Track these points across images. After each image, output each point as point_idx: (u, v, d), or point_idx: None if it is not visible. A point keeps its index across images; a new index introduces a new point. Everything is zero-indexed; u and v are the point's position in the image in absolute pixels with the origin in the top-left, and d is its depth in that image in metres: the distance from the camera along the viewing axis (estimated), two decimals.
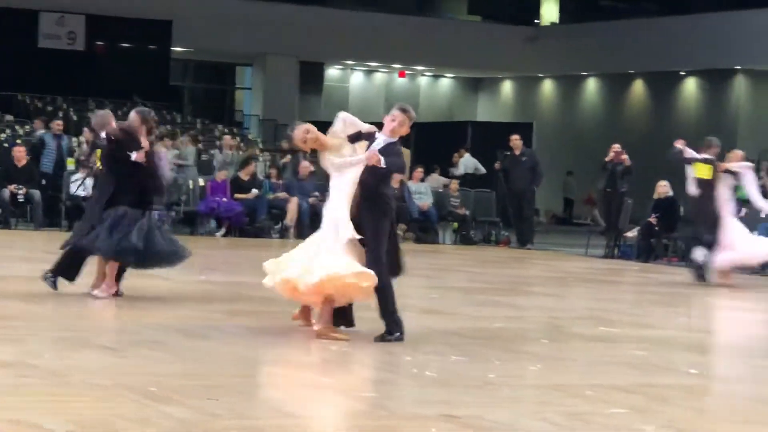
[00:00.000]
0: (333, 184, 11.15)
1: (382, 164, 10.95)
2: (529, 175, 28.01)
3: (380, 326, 11.00)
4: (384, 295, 11.03)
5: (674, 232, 24.75)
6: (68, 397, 7.92)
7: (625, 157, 25.80)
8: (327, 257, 10.87)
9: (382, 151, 11.10)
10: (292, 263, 11.17)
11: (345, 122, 11.42)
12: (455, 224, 28.78)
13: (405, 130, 11.59)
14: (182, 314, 12.46)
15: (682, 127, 40.93)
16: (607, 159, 26.07)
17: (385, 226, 11.12)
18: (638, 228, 25.40)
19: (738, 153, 22.16)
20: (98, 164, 14.27)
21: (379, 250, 10.98)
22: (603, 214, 27.97)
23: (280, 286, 11.19)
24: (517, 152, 27.89)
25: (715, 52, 38.40)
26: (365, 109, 47.31)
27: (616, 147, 25.92)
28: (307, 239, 11.48)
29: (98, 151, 14.16)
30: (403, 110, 11.69)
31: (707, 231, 18.97)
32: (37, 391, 8.07)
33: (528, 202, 28.33)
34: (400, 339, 10.93)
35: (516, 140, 27.88)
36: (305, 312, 11.41)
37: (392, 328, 10.97)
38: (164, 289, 15.71)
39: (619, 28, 41.91)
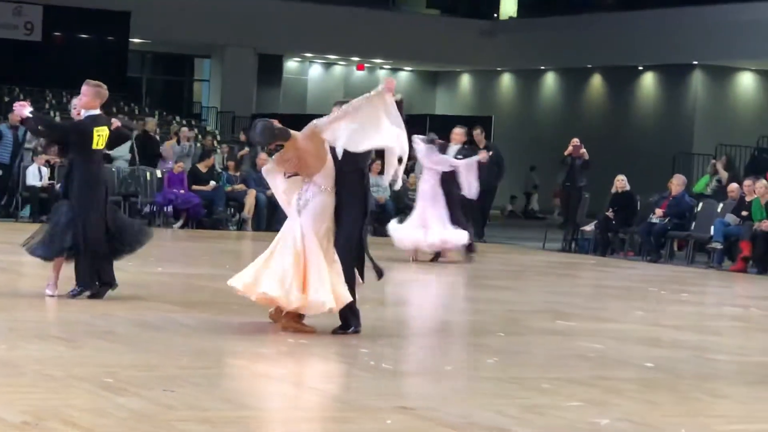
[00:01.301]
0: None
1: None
2: (494, 169, 27.97)
3: (338, 319, 10.99)
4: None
5: (631, 227, 24.83)
6: (22, 387, 7.89)
7: (583, 151, 25.83)
8: (312, 277, 10.68)
9: None
10: (271, 275, 10.80)
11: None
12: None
13: None
14: (138, 305, 12.42)
15: (640, 121, 41.17)
16: (566, 153, 26.12)
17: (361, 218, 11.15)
18: (595, 222, 25.47)
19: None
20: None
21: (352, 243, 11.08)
22: (561, 208, 28.02)
23: (259, 298, 10.89)
24: (481, 146, 27.82)
25: (673, 47, 38.52)
26: (324, 102, 47.33)
27: (576, 141, 25.94)
28: (278, 241, 11.15)
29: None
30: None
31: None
32: None
33: (489, 196, 28.35)
34: (357, 332, 10.91)
35: (478, 134, 27.76)
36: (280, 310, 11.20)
37: (350, 321, 10.95)
38: (120, 280, 15.66)
39: (578, 22, 41.99)
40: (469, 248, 20.62)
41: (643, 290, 18.01)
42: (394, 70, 49.61)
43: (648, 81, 41.79)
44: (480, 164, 26.86)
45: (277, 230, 11.48)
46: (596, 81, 43.48)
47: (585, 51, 41.41)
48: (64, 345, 9.73)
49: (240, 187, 27.08)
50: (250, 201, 26.59)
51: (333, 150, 11.01)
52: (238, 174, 27.81)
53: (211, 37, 42.06)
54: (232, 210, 27.31)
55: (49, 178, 26.21)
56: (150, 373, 8.78)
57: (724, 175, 26.84)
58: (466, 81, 48.91)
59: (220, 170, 28.10)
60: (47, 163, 26.40)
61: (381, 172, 29.27)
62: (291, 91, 47.32)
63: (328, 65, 49.02)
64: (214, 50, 44.56)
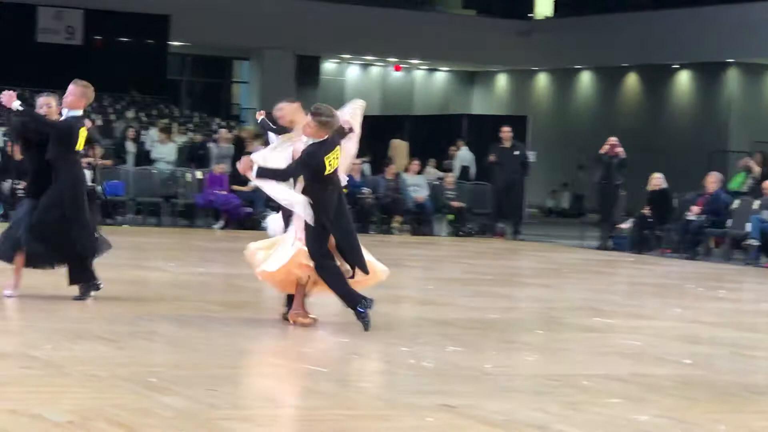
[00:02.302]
0: None
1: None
2: (520, 167, 28.11)
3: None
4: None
5: (667, 224, 24.76)
6: (67, 387, 7.92)
7: (620, 149, 25.77)
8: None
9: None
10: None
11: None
12: (450, 216, 28.81)
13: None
14: (179, 306, 12.45)
15: (676, 119, 41.02)
16: (602, 151, 26.05)
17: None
18: (632, 220, 25.42)
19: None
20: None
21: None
22: (598, 206, 27.94)
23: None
24: (508, 144, 27.92)
25: (708, 46, 38.45)
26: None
27: (613, 140, 25.88)
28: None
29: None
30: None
31: None
32: (37, 382, 8.07)
33: (517, 193, 28.46)
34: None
35: (506, 133, 27.90)
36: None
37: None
38: (162, 281, 15.73)
39: (613, 21, 41.93)
40: None
41: (680, 287, 17.96)
42: (431, 70, 49.62)
43: (683, 79, 41.66)
44: (497, 163, 27.16)
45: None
46: (631, 80, 43.38)
47: (620, 50, 41.32)
48: (108, 345, 9.76)
49: None
50: None
51: None
52: None
53: (249, 39, 42.17)
54: (273, 210, 27.33)
55: (92, 180, 26.29)
56: (193, 372, 8.80)
57: (758, 171, 26.68)
58: (502, 80, 48.88)
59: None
60: (89, 165, 26.49)
61: (419, 172, 29.37)
62: (329, 92, 47.33)
63: (366, 66, 49.06)
64: (252, 52, 44.67)
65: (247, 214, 26.61)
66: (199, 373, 8.73)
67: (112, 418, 7.01)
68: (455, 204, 28.70)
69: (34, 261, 12.24)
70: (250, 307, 12.73)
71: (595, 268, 21.12)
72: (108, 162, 27.48)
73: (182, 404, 7.59)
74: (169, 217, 27.06)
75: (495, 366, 9.59)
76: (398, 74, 49.42)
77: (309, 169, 10.99)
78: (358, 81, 49.09)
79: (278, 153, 11.41)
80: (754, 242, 22.85)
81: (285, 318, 11.30)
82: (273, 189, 11.28)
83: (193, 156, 29.02)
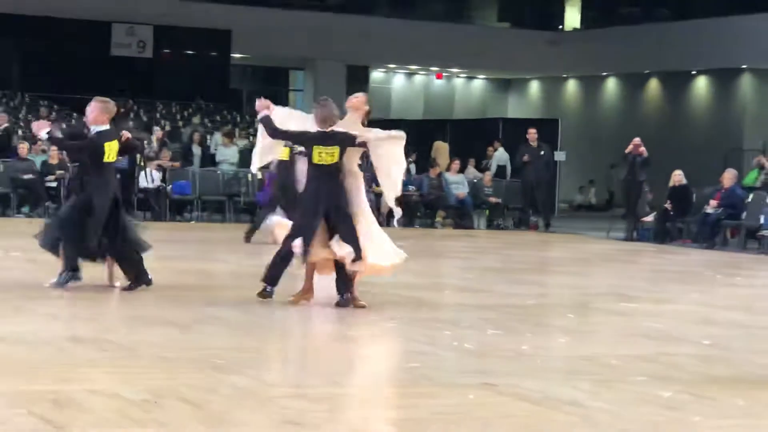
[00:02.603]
0: None
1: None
2: (545, 166, 28.32)
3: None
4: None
5: (688, 217, 24.69)
6: (141, 369, 7.96)
7: (643, 149, 25.67)
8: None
9: None
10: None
11: None
12: (488, 211, 28.86)
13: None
14: (241, 294, 12.44)
15: (694, 121, 40.85)
16: (627, 151, 25.97)
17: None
18: (655, 213, 25.36)
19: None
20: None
21: None
22: (623, 201, 27.84)
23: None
24: (534, 144, 28.08)
25: (723, 53, 38.29)
26: (406, 108, 47.42)
27: (636, 140, 25.81)
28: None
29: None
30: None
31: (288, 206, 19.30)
32: (113, 364, 8.10)
33: (545, 189, 28.59)
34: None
35: (532, 134, 28.11)
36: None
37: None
38: (226, 272, 15.81)
39: (636, 32, 41.79)
40: None
41: (700, 274, 17.88)
42: (470, 78, 49.54)
43: (701, 84, 41.47)
44: (528, 162, 27.26)
45: None
46: (653, 85, 43.20)
47: (642, 58, 41.17)
48: (176, 330, 9.79)
49: None
50: None
51: None
52: None
53: (303, 51, 42.23)
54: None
55: (162, 180, 26.43)
56: (254, 354, 8.82)
57: None
58: (534, 87, 48.75)
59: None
60: (159, 167, 26.63)
61: (460, 171, 29.36)
62: (376, 98, 47.27)
63: (410, 75, 49.03)
64: (306, 63, 44.70)
65: None
66: (259, 355, 8.75)
67: (181, 395, 7.03)
68: (492, 200, 28.74)
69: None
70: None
71: (622, 257, 21.05)
72: (176, 164, 27.58)
73: (244, 383, 7.60)
74: (232, 214, 27.13)
75: (531, 347, 9.57)
76: (440, 82, 49.37)
77: (305, 145, 11.90)
78: (403, 89, 49.08)
79: (296, 119, 12.28)
80: (766, 233, 22.80)
81: (338, 305, 11.33)
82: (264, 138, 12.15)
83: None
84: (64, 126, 24.35)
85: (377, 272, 11.81)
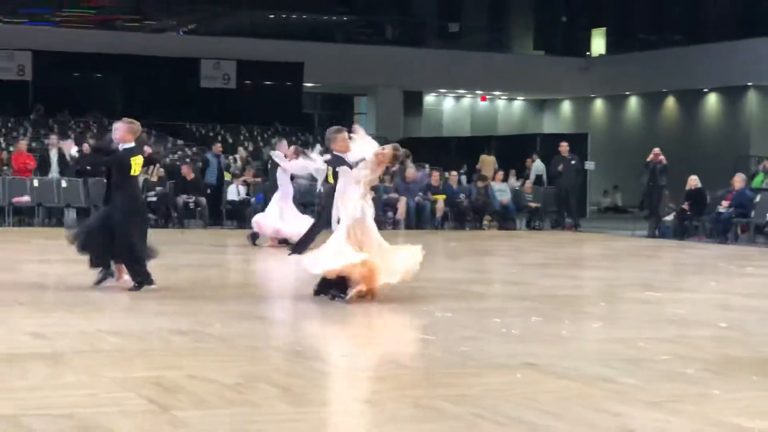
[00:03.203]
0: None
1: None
2: (576, 174, 28.41)
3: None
4: None
5: (703, 216, 24.53)
6: (234, 357, 8.00)
7: (662, 157, 25.58)
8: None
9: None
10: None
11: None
12: (528, 215, 28.82)
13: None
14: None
15: (707, 131, 40.55)
16: (648, 159, 25.86)
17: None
18: (674, 213, 25.21)
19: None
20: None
21: None
22: (646, 204, 27.67)
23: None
24: (567, 155, 28.08)
25: (731, 73, 38.09)
26: (455, 127, 47.42)
27: (656, 150, 25.76)
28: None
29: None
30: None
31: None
32: (209, 353, 8.15)
33: (574, 194, 28.58)
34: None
35: (564, 146, 28.19)
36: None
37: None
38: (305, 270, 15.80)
39: (654, 56, 41.61)
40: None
41: (715, 266, 17.74)
42: (510, 99, 49.45)
43: (712, 100, 41.16)
44: (562, 172, 27.25)
45: (422, 228, 11.56)
46: (670, 102, 42.92)
47: (660, 78, 41.00)
48: (264, 323, 9.85)
49: (393, 195, 27.19)
50: (401, 206, 26.65)
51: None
52: (392, 185, 27.91)
53: (366, 79, 42.35)
54: (389, 213, 27.40)
55: (246, 194, 26.55)
56: (330, 342, 8.84)
57: None
58: (566, 106, 48.56)
59: (378, 183, 28.22)
60: (244, 183, 26.76)
61: (504, 180, 29.30)
62: (429, 119, 47.38)
63: (458, 98, 49.01)
64: (369, 90, 44.82)
65: None
66: (335, 343, 8.77)
67: (269, 380, 7.06)
68: (532, 204, 28.68)
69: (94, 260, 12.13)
70: (385, 290, 12.75)
71: (645, 252, 20.92)
72: (258, 179, 27.71)
73: (324, 367, 7.63)
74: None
75: (569, 332, 9.54)
76: (484, 103, 49.30)
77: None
78: (453, 110, 49.07)
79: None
80: None
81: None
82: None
83: None
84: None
85: (392, 282, 11.35)
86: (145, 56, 38.54)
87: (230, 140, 35.56)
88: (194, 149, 33.79)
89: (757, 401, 6.67)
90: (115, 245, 11.97)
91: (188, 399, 6.39)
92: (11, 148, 27.76)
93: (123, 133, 12.28)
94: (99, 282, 12.05)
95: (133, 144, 12.28)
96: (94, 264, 12.09)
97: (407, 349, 8.59)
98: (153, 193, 25.66)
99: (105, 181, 12.69)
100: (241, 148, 30.76)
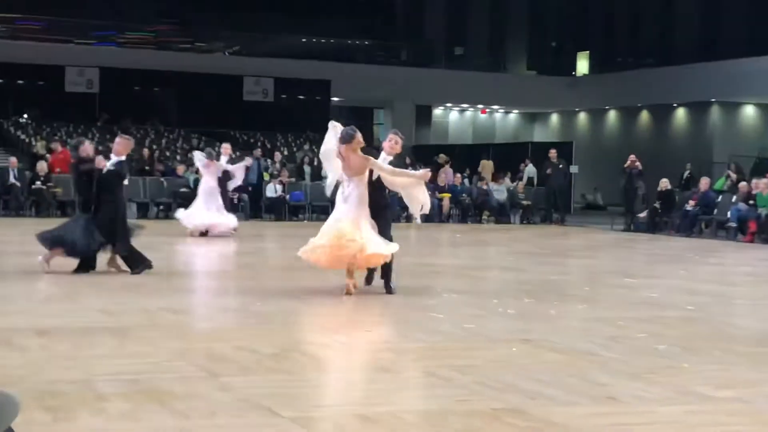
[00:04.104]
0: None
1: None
2: (563, 176, 28.44)
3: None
4: None
5: (672, 213, 24.47)
6: (275, 330, 7.97)
7: (638, 163, 25.54)
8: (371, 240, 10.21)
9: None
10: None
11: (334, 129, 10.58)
12: (521, 211, 28.79)
13: (399, 149, 10.87)
14: (341, 274, 12.45)
15: (676, 142, 40.40)
16: (625, 165, 25.82)
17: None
18: (647, 211, 25.13)
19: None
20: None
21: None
22: (624, 203, 27.61)
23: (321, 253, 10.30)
24: (555, 160, 28.15)
25: (697, 90, 38.00)
26: (459, 136, 47.33)
27: (632, 157, 25.74)
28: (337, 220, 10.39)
29: None
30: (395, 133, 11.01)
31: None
32: (251, 327, 8.12)
33: (563, 194, 28.60)
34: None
35: (553, 153, 28.33)
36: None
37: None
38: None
39: (630, 75, 41.50)
40: (235, 229, 19.26)
41: (682, 256, 17.69)
42: (506, 112, 49.35)
43: (680, 114, 41.02)
44: (550, 174, 27.20)
45: (432, 222, 11.49)
46: (644, 115, 42.79)
47: (636, 95, 40.90)
48: (297, 301, 9.86)
49: None
50: None
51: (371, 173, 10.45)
52: None
53: (384, 95, 42.33)
54: (403, 208, 27.40)
55: (282, 191, 26.58)
56: (356, 319, 8.83)
57: (734, 177, 26.29)
58: (554, 118, 48.45)
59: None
60: (280, 182, 26.78)
61: (501, 181, 29.24)
62: (437, 129, 47.31)
63: (462, 111, 48.92)
64: (386, 104, 44.80)
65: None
66: (356, 320, 8.77)
67: (302, 351, 7.08)
68: (525, 202, 28.65)
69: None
70: (404, 273, 12.74)
71: (623, 244, 20.88)
72: (292, 179, 27.75)
73: (347, 341, 7.63)
74: None
75: (557, 312, 9.52)
76: (484, 116, 49.20)
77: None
78: (457, 121, 48.99)
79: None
80: (733, 224, 22.55)
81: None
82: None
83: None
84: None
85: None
86: (195, 73, 38.63)
87: (268, 146, 35.57)
88: (238, 153, 33.77)
89: (719, 373, 6.65)
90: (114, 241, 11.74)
91: (234, 367, 6.40)
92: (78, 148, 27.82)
93: (120, 147, 12.12)
94: (140, 270, 11.80)
95: (124, 158, 12.10)
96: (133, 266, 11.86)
97: (419, 325, 8.59)
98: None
99: (77, 190, 12.27)
100: (277, 153, 30.76)
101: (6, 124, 35.72)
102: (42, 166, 24.95)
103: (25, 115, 37.37)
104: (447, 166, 30.14)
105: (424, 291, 11.00)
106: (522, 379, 6.18)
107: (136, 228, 12.34)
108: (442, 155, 31.92)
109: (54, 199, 24.51)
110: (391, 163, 10.65)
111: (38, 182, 24.58)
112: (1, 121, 35.80)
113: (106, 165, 11.91)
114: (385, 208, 10.79)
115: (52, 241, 11.79)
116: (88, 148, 12.31)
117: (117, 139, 12.42)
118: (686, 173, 29.18)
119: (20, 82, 38.32)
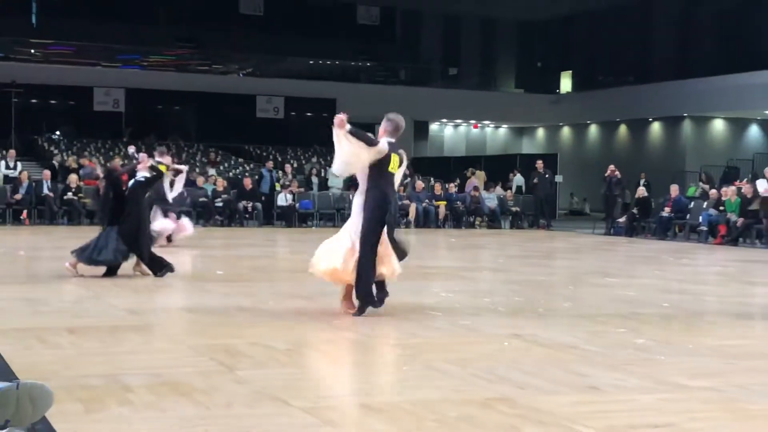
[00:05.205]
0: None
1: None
2: (549, 185, 28.50)
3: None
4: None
5: (649, 218, 24.47)
6: (282, 327, 7.97)
7: (617, 172, 25.58)
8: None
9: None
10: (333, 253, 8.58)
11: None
12: (511, 217, 28.79)
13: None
14: None
15: (651, 153, 40.40)
16: (606, 174, 25.85)
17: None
18: (626, 216, 25.13)
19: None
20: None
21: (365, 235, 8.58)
22: (604, 209, 27.63)
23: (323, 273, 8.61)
24: (541, 170, 28.22)
25: (671, 106, 38.06)
26: (454, 148, 47.33)
27: (612, 167, 25.80)
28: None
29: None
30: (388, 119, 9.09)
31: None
32: (265, 325, 8.10)
33: (549, 201, 28.66)
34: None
35: (540, 164, 28.42)
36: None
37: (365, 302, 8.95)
38: None
39: (610, 93, 41.53)
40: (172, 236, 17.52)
41: (658, 258, 17.68)
42: (497, 127, 49.34)
43: (656, 127, 41.02)
44: (537, 183, 27.25)
45: (428, 227, 11.47)
46: (623, 129, 42.79)
47: (615, 111, 40.94)
48: (307, 301, 9.85)
49: (406, 201, 27.20)
50: (412, 210, 26.67)
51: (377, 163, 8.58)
52: (405, 193, 27.92)
53: (385, 111, 41.92)
54: (402, 216, 27.43)
55: (292, 200, 26.57)
56: (358, 317, 8.81)
57: (705, 185, 26.37)
58: (540, 132, 48.45)
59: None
60: (290, 192, 26.77)
61: (492, 189, 29.21)
62: (434, 143, 47.29)
63: (456, 126, 48.94)
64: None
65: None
66: (362, 318, 8.76)
67: (312, 346, 7.08)
68: (514, 209, 28.65)
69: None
70: (404, 275, 12.72)
71: (603, 247, 20.87)
72: (301, 189, 27.76)
73: (354, 337, 7.62)
74: (340, 222, 27.21)
75: (544, 309, 9.52)
76: (476, 130, 49.21)
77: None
78: (452, 135, 48.99)
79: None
80: (704, 228, 22.54)
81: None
82: (342, 148, 8.51)
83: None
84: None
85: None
86: (212, 93, 38.67)
87: (279, 159, 35.57)
88: (251, 165, 33.83)
89: (692, 365, 6.65)
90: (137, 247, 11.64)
91: (249, 361, 6.40)
92: (108, 164, 27.87)
93: (143, 163, 12.09)
94: (163, 274, 11.75)
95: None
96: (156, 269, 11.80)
97: (419, 323, 8.59)
98: (219, 199, 25.74)
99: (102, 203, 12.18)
100: (287, 165, 30.78)
101: (40, 140, 35.78)
102: (73, 179, 25.00)
103: (58, 132, 37.48)
104: (473, 177, 30.74)
105: (423, 291, 11.00)
106: (512, 371, 6.18)
107: (157, 236, 12.33)
108: (470, 168, 32.50)
109: (84, 208, 24.57)
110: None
111: (69, 193, 24.64)
112: (35, 137, 35.86)
113: (143, 169, 11.82)
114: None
115: (87, 259, 11.68)
116: (116, 164, 12.37)
117: (141, 155, 12.38)
118: (642, 181, 29.11)
119: (53, 101, 38.42)
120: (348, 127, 8.51)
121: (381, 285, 8.68)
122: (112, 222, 11.70)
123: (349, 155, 8.42)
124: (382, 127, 9.02)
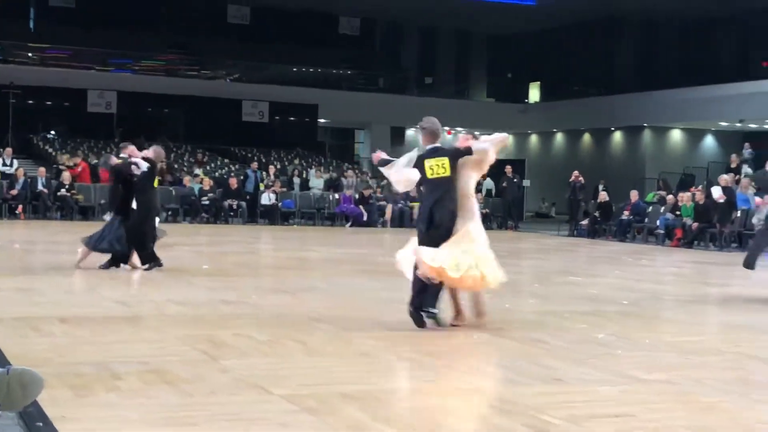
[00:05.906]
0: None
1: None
2: (517, 189, 28.70)
3: None
4: None
5: (610, 221, 24.55)
6: (264, 321, 7.93)
7: (581, 178, 25.70)
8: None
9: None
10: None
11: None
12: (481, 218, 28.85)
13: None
14: (331, 272, 12.39)
15: (613, 160, 40.60)
16: (570, 179, 25.94)
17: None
18: (588, 219, 25.21)
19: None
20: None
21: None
22: (568, 212, 27.76)
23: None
24: (510, 175, 28.39)
25: (632, 116, 38.27)
26: None
27: (576, 172, 25.94)
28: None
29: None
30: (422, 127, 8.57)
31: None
32: (248, 317, 8.05)
33: (517, 204, 28.88)
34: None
35: (509, 169, 28.62)
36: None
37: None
38: (319, 258, 15.69)
39: (575, 103, 41.69)
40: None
41: (618, 258, 17.75)
42: (468, 134, 49.36)
43: (617, 136, 41.20)
44: (506, 187, 27.35)
45: (403, 227, 11.42)
46: (587, 137, 42.94)
47: (580, 120, 41.09)
48: (288, 296, 9.81)
49: (383, 203, 27.20)
50: (388, 211, 26.67)
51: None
52: (381, 195, 27.92)
53: (363, 117, 42.29)
54: (380, 216, 27.40)
55: (276, 199, 26.49)
56: (337, 312, 8.78)
57: (662, 191, 26.52)
58: (510, 140, 48.50)
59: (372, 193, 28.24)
60: (274, 192, 26.68)
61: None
62: (410, 148, 46.98)
63: None
64: (365, 125, 44.74)
65: (363, 218, 26.66)
66: (340, 312, 8.72)
67: (292, 338, 7.04)
68: (483, 211, 28.65)
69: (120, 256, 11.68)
70: (379, 272, 12.70)
71: (567, 248, 20.93)
72: (284, 189, 27.68)
73: (332, 330, 7.58)
74: (320, 221, 27.18)
75: (512, 306, 9.54)
76: (449, 137, 49.12)
77: (417, 165, 8.20)
78: None
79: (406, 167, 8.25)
80: (661, 232, 22.65)
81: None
82: (390, 176, 8.26)
83: (333, 185, 29.14)
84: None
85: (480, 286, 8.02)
86: (201, 97, 38.49)
87: (263, 160, 35.42)
88: (237, 166, 33.69)
89: (648, 358, 6.67)
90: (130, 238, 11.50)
91: (232, 351, 6.37)
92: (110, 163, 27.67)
93: (154, 154, 11.86)
94: (150, 268, 11.55)
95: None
96: (146, 260, 11.67)
97: (393, 317, 8.58)
98: (206, 198, 25.61)
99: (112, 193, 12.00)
100: (271, 167, 30.70)
101: (36, 139, 35.54)
102: (66, 176, 24.84)
103: (52, 132, 37.24)
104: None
105: (398, 287, 10.97)
106: (482, 363, 6.18)
107: (161, 233, 12.24)
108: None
109: (76, 204, 24.43)
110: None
111: (63, 190, 24.48)
112: (31, 136, 35.59)
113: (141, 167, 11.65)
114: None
115: (93, 246, 11.56)
116: (114, 159, 12.24)
117: (153, 147, 12.17)
118: (601, 187, 29.19)
119: (48, 102, 38.14)
120: (381, 160, 8.47)
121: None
122: (119, 212, 11.58)
123: (395, 178, 8.28)
124: (421, 141, 8.68)
